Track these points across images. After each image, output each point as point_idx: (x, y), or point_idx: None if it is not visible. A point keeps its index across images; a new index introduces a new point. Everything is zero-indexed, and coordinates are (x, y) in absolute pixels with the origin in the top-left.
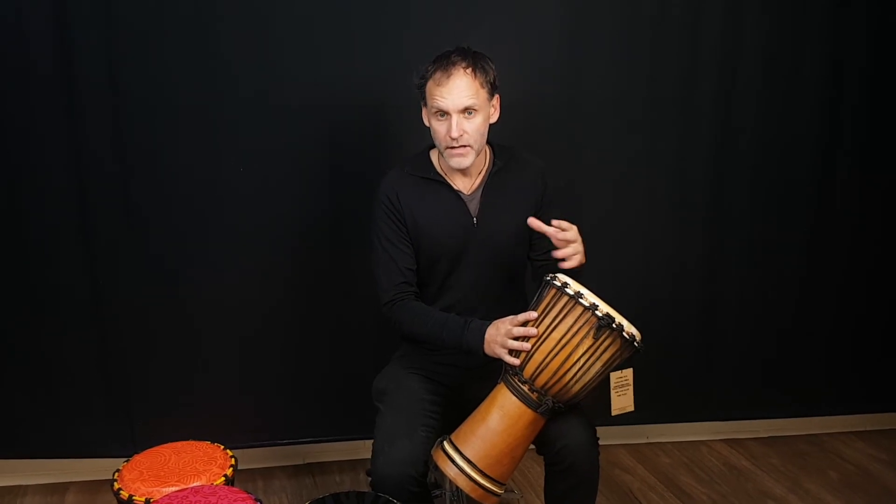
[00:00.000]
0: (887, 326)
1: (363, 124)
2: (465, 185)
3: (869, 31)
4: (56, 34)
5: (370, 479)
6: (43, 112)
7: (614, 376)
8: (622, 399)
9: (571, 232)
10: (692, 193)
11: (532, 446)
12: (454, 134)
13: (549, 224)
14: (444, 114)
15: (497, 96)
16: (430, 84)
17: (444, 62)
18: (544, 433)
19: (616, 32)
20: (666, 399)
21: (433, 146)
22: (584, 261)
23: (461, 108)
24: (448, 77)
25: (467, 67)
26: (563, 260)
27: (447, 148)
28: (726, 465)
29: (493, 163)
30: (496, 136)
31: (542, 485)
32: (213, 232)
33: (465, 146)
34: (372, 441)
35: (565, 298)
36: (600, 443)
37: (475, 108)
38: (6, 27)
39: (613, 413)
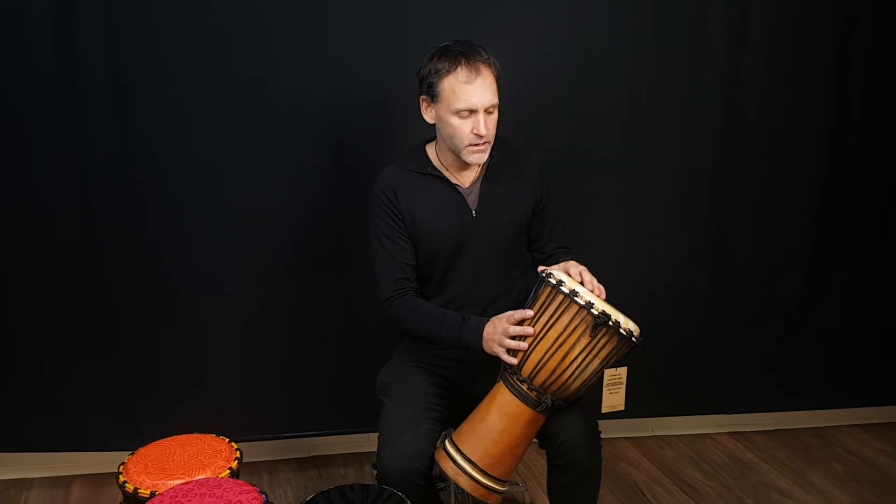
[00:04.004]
0: (893, 319)
1: (365, 117)
2: (463, 179)
3: (876, 24)
4: (57, 28)
5: (376, 472)
6: (44, 104)
7: (608, 373)
8: (614, 397)
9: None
10: (695, 189)
11: (535, 440)
12: (483, 131)
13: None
14: (468, 112)
15: None
16: (450, 80)
17: (467, 58)
18: (546, 428)
19: (619, 27)
20: (671, 392)
21: (429, 141)
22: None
23: (487, 106)
24: (478, 74)
25: (488, 66)
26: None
27: (469, 145)
28: (731, 458)
29: (491, 156)
30: (499, 132)
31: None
32: (216, 225)
33: (487, 143)
34: (377, 434)
35: (560, 297)
36: (605, 436)
37: (496, 105)
38: (7, 18)
39: (603, 410)
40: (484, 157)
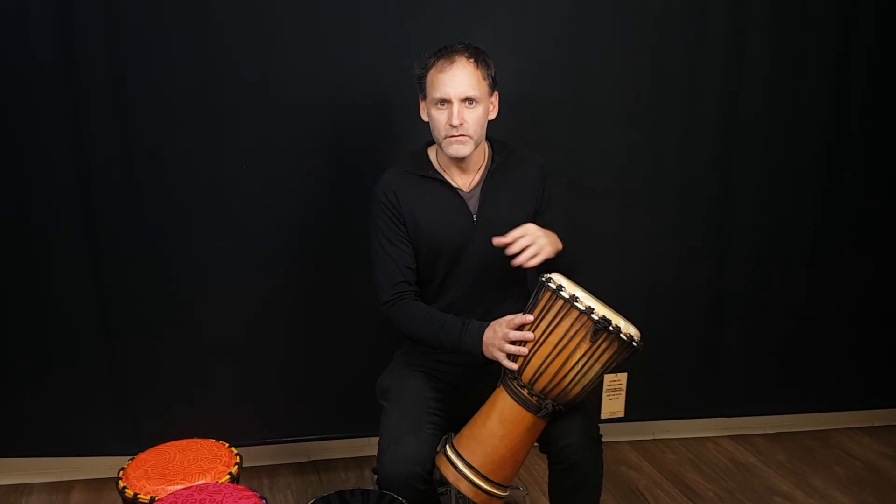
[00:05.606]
0: (894, 321)
1: (366, 119)
2: (464, 183)
3: (876, 24)
4: (57, 28)
5: (376, 477)
6: (45, 105)
7: (608, 379)
8: (613, 403)
9: (525, 238)
10: (695, 189)
11: (536, 444)
12: (455, 121)
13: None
14: (444, 102)
15: (496, 93)
16: (431, 73)
17: (447, 51)
18: (547, 432)
19: (619, 26)
20: (672, 395)
21: (430, 144)
22: (552, 251)
23: (463, 97)
24: (451, 64)
25: (470, 57)
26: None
27: (446, 137)
28: (732, 462)
29: (492, 159)
30: (498, 133)
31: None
32: (216, 229)
33: (464, 135)
34: (377, 439)
35: (560, 302)
36: (605, 440)
37: (476, 98)
38: (8, 20)
39: (603, 416)
40: (463, 150)
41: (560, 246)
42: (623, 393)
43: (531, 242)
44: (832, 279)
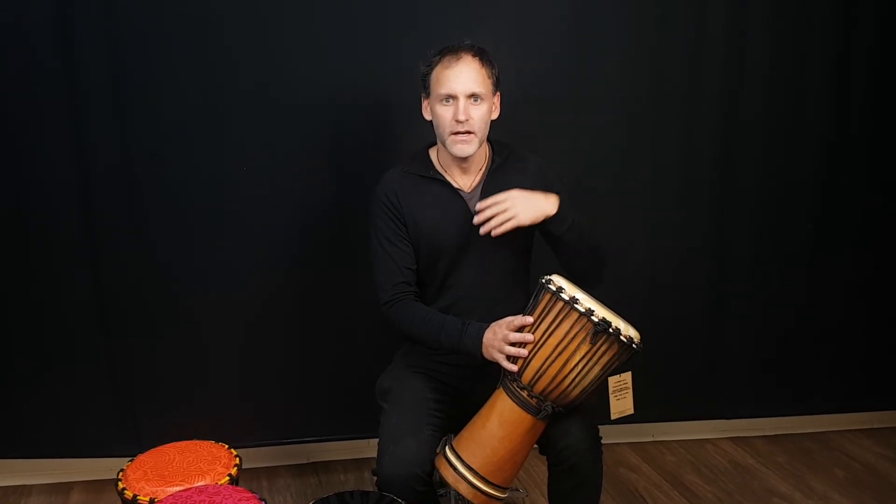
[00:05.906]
0: (894, 322)
1: (367, 122)
2: (464, 183)
3: (876, 25)
4: (58, 30)
5: (375, 478)
6: (45, 106)
7: (612, 381)
8: (621, 403)
9: (497, 206)
10: (696, 190)
11: (535, 446)
12: (461, 117)
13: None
14: (450, 98)
15: (498, 94)
16: (437, 69)
17: (452, 49)
18: (546, 434)
19: (619, 27)
20: (671, 397)
21: (432, 145)
22: (528, 217)
23: (469, 93)
24: (458, 61)
25: (475, 55)
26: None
27: (452, 134)
28: (732, 464)
29: (492, 159)
30: (499, 133)
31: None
32: (216, 230)
33: (469, 132)
34: (377, 440)
35: (560, 304)
36: (605, 441)
37: (481, 95)
38: (7, 22)
39: (613, 417)
40: (468, 149)
41: (550, 211)
42: (630, 391)
43: (503, 210)
44: (832, 279)
